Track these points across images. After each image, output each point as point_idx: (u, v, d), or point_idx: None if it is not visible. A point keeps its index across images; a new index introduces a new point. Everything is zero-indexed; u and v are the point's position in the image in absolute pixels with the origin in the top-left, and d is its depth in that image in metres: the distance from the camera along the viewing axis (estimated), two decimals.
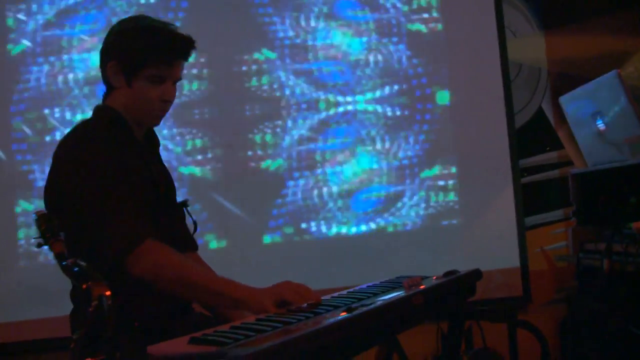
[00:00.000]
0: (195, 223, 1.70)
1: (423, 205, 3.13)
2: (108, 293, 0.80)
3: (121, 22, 1.62)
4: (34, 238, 0.92)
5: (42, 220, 0.90)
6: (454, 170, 3.15)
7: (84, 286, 0.80)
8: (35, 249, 2.61)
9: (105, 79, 1.60)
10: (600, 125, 2.16)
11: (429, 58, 3.16)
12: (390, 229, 3.08)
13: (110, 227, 1.39)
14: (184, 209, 1.70)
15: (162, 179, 1.66)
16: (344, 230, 3.00)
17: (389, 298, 1.30)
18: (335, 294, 1.43)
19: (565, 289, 3.20)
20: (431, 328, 2.73)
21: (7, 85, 2.86)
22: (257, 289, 1.35)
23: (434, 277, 1.59)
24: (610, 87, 2.04)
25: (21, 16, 2.88)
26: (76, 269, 0.83)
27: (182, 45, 1.58)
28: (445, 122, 3.17)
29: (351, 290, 1.50)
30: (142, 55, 1.53)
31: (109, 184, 1.43)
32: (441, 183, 3.15)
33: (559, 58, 3.32)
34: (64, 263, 0.84)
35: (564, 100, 2.48)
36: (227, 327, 1.10)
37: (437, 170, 3.15)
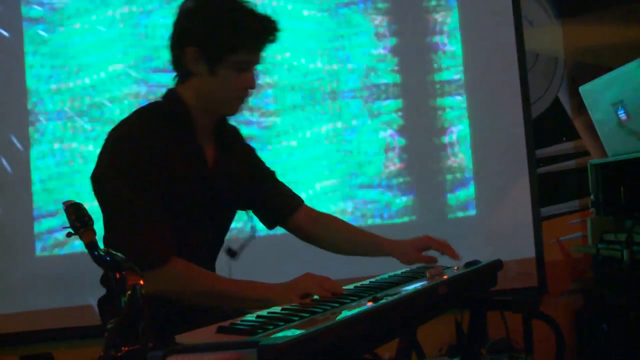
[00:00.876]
0: (253, 229, 1.68)
1: (439, 195, 3.12)
2: (142, 282, 0.81)
3: (197, 1, 1.48)
4: (63, 227, 0.92)
5: (71, 210, 0.90)
6: (469, 160, 3.14)
7: (118, 275, 0.80)
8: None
9: (180, 64, 1.49)
10: (622, 115, 2.14)
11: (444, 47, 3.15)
12: (406, 219, 3.08)
13: (134, 241, 1.38)
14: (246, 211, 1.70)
15: (221, 178, 1.58)
16: (360, 221, 3.00)
17: (414, 288, 1.30)
18: (358, 284, 1.43)
19: (581, 280, 3.18)
20: (445, 318, 2.74)
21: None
22: (281, 286, 1.35)
23: (455, 268, 1.59)
24: (633, 77, 2.02)
25: None
26: (108, 258, 0.83)
27: (270, 29, 1.47)
28: (461, 112, 3.15)
29: (373, 280, 1.50)
30: (230, 41, 1.42)
31: (141, 190, 1.39)
32: (457, 174, 3.14)
33: (576, 47, 3.29)
34: (95, 253, 0.84)
35: (584, 90, 2.46)
36: (254, 316, 1.10)
37: (452, 161, 3.14)
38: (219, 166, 1.59)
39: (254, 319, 1.08)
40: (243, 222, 1.75)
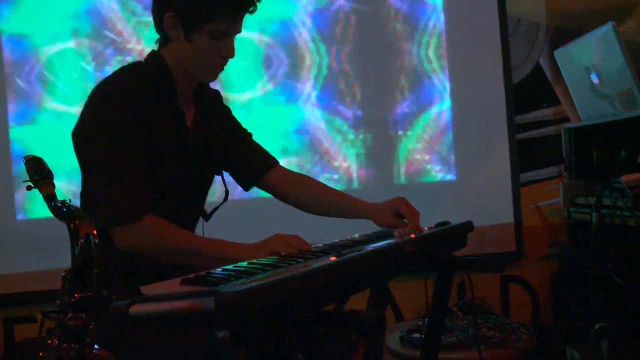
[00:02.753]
0: (227, 192, 1.71)
1: (417, 158, 3.15)
2: (95, 232, 0.83)
3: None
4: (23, 181, 0.94)
5: (31, 164, 0.92)
6: (449, 125, 3.16)
7: (72, 225, 0.82)
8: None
9: (160, 28, 1.53)
10: (594, 79, 2.16)
11: (425, 9, 3.14)
12: (384, 182, 3.12)
13: (109, 195, 1.41)
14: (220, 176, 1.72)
15: (199, 140, 1.62)
16: (336, 185, 3.03)
17: (380, 245, 1.33)
18: (328, 242, 1.46)
19: (559, 245, 3.25)
20: (421, 282, 2.80)
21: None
22: (250, 246, 1.38)
23: (426, 228, 1.62)
24: (605, 40, 2.03)
25: None
26: (64, 209, 0.85)
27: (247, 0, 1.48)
28: (440, 75, 3.16)
29: (343, 239, 1.53)
30: (206, 10, 1.44)
31: (120, 147, 1.43)
32: (435, 137, 3.16)
33: (559, 12, 3.30)
34: (52, 204, 0.87)
35: (558, 53, 2.47)
36: (220, 270, 1.13)
37: (431, 123, 3.16)
38: (198, 128, 1.63)
39: (219, 272, 1.11)
40: (217, 185, 1.78)
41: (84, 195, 1.56)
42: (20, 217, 2.83)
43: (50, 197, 0.88)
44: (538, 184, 3.30)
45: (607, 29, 2.00)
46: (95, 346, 1.39)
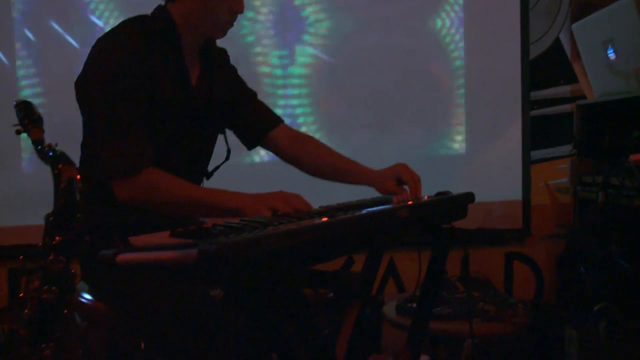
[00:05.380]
0: (228, 151, 1.71)
1: (425, 130, 3.13)
2: (78, 176, 0.83)
3: None
4: (13, 125, 0.95)
5: (21, 108, 0.93)
6: (461, 96, 3.12)
7: (56, 170, 0.82)
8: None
9: None
10: (611, 55, 2.11)
11: None
12: (391, 152, 3.10)
13: (110, 148, 1.41)
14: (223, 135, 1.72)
15: (203, 97, 1.62)
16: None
17: (373, 210, 1.33)
18: (325, 205, 1.46)
19: (567, 225, 3.23)
20: (426, 255, 2.81)
21: None
22: (251, 197, 1.38)
23: (426, 197, 1.61)
24: (625, 14, 1.97)
25: None
26: (50, 153, 0.86)
27: None
28: (456, 46, 3.11)
29: (341, 202, 1.53)
30: None
31: (123, 100, 1.43)
32: (447, 109, 3.13)
33: None
34: (39, 148, 0.87)
35: (576, 27, 2.41)
36: (210, 225, 1.14)
37: (443, 95, 3.12)
38: (203, 87, 1.63)
39: (209, 227, 1.12)
40: (219, 148, 1.78)
41: (85, 146, 1.57)
42: (28, 169, 2.86)
43: (38, 142, 0.88)
44: (549, 162, 3.26)
45: (627, 2, 1.94)
46: (88, 296, 1.42)
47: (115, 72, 1.43)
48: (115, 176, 1.41)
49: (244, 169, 2.86)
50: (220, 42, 1.71)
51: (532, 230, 3.23)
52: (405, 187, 1.65)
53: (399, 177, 1.64)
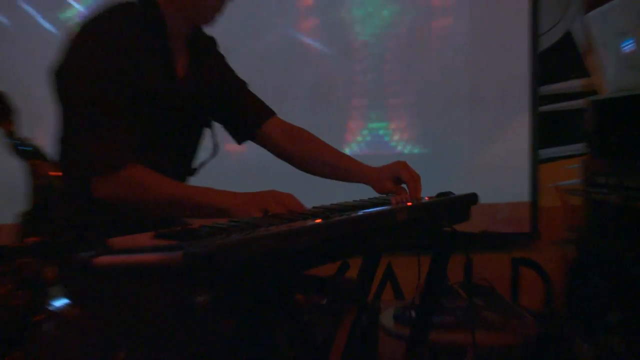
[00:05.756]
0: (216, 146, 1.71)
1: (427, 124, 3.14)
2: (55, 173, 0.83)
3: None
4: None
5: None
6: (465, 89, 3.13)
7: (30, 166, 0.82)
8: None
9: None
10: (628, 47, 2.11)
11: None
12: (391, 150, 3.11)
13: (91, 142, 1.40)
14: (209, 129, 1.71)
15: (191, 89, 1.62)
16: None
17: (370, 211, 1.33)
18: (319, 206, 1.46)
19: (578, 229, 3.24)
20: (426, 260, 2.82)
21: None
22: (241, 196, 1.37)
23: (426, 198, 1.61)
24: None
25: None
26: (23, 147, 0.86)
27: None
28: (462, 37, 3.12)
29: (336, 203, 1.54)
30: None
31: (104, 91, 1.42)
32: (450, 102, 3.14)
33: None
34: (11, 142, 0.87)
35: (592, 16, 2.42)
36: (197, 226, 1.14)
37: (446, 87, 3.13)
38: (190, 77, 1.63)
39: (195, 228, 1.12)
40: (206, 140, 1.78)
41: (62, 140, 1.56)
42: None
43: (9, 135, 0.88)
44: (559, 162, 3.28)
45: None
46: (64, 301, 1.42)
47: (97, 60, 1.43)
48: (95, 172, 1.40)
49: (233, 165, 2.87)
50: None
51: (541, 234, 3.25)
52: (405, 186, 1.65)
53: (398, 176, 1.65)
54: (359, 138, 3.11)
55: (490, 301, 2.41)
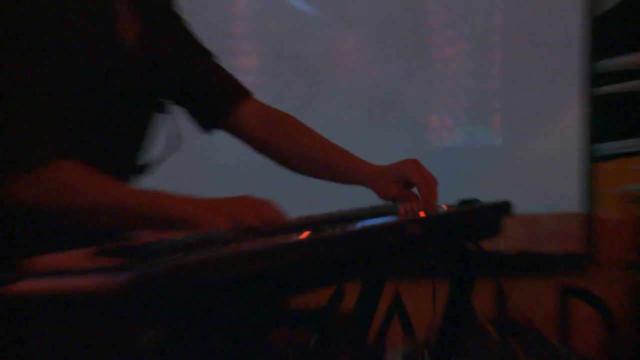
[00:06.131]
0: (178, 137, 1.72)
1: (452, 117, 3.18)
2: None
3: None
4: None
5: None
6: (497, 65, 3.17)
7: None
8: None
9: None
10: None
11: None
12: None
13: (6, 131, 1.42)
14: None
15: (141, 60, 1.63)
16: None
17: (373, 224, 1.36)
18: (305, 216, 1.49)
19: None
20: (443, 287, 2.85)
21: None
22: (204, 203, 1.38)
23: (444, 206, 1.62)
24: None
25: None
26: None
27: None
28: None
29: (328, 212, 1.55)
30: None
31: (26, 67, 1.44)
32: (481, 86, 3.18)
33: None
34: None
35: None
36: (146, 240, 1.17)
37: (470, 62, 3.18)
38: (140, 47, 1.64)
39: (147, 244, 1.15)
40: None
41: None
42: None
43: None
44: (622, 160, 3.29)
45: None
46: None
47: (13, 24, 1.45)
48: (11, 169, 1.42)
49: (200, 164, 2.89)
50: None
51: (597, 255, 3.27)
52: (416, 191, 1.68)
53: (407, 178, 1.66)
54: None
55: (529, 342, 2.44)
